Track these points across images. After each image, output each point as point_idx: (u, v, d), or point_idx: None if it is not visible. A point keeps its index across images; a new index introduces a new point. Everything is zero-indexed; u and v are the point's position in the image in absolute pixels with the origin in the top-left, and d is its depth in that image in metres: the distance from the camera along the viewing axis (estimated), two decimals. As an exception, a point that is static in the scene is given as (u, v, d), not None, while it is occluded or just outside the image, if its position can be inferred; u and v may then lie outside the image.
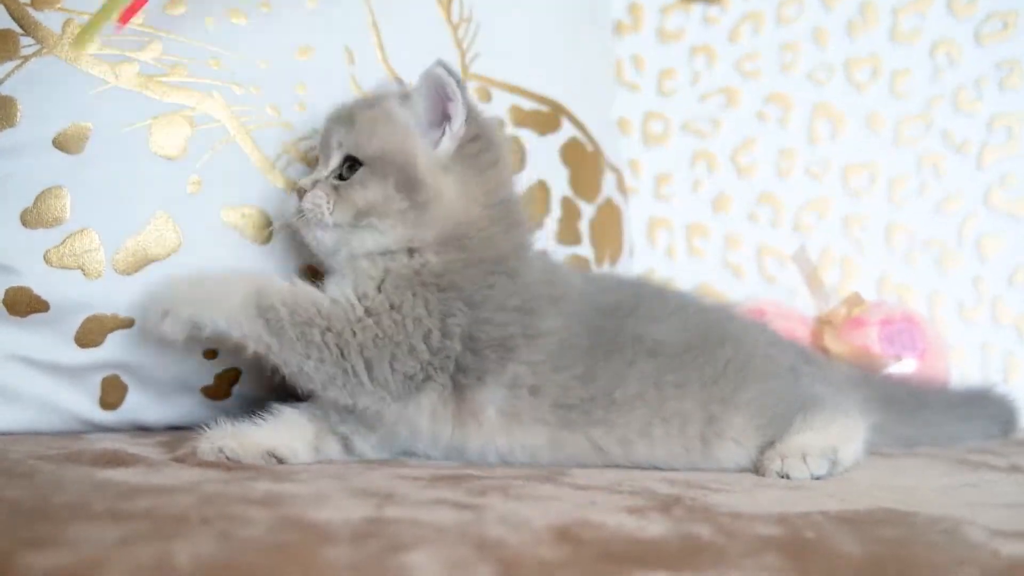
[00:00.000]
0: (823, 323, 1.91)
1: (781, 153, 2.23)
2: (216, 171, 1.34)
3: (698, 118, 2.27)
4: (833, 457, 1.23)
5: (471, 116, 1.28)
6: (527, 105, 1.70)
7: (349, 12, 1.50)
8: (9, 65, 1.26)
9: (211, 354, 1.35)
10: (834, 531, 0.85)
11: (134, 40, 1.31)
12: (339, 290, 1.21)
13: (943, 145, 2.17)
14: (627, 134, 2.28)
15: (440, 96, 1.26)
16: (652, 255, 2.25)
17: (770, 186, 2.23)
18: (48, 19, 1.27)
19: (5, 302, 1.24)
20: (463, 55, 1.63)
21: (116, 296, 1.28)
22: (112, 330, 1.28)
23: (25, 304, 1.25)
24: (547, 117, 1.72)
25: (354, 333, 1.17)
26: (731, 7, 2.26)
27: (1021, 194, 2.14)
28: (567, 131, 1.76)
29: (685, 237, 2.25)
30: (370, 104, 1.30)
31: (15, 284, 1.24)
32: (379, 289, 1.20)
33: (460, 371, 1.20)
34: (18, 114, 1.25)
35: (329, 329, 1.17)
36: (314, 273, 1.39)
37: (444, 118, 1.27)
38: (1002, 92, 2.16)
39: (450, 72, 1.24)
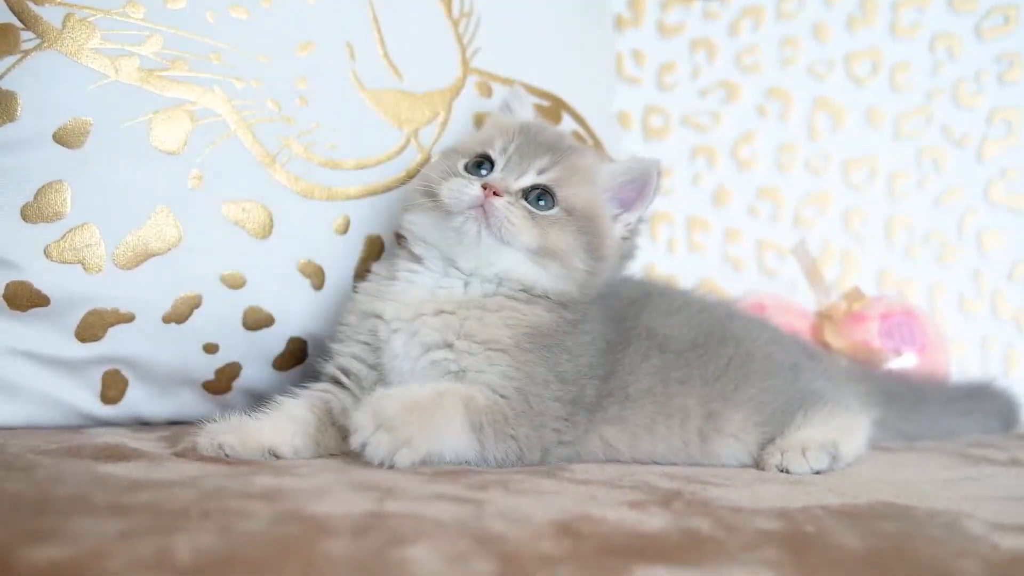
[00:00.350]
0: (823, 318, 1.91)
1: (781, 147, 2.22)
2: (217, 165, 1.34)
3: (698, 112, 2.27)
4: (833, 451, 1.23)
5: (643, 217, 1.32)
6: (528, 99, 1.69)
7: (350, 7, 1.49)
8: (10, 59, 1.25)
9: (211, 348, 1.35)
10: (834, 525, 0.85)
11: (134, 34, 1.31)
12: (491, 370, 1.19)
13: (943, 139, 2.17)
14: (627, 128, 2.28)
15: (638, 187, 1.29)
16: (653, 249, 2.25)
17: (770, 180, 2.23)
18: (48, 14, 1.27)
19: (5, 296, 1.24)
20: (463, 50, 1.63)
21: (117, 290, 1.28)
22: (112, 324, 1.28)
23: (25, 298, 1.25)
24: (547, 111, 1.72)
25: (530, 431, 1.17)
26: (731, 2, 2.26)
27: (1021, 188, 2.14)
28: (567, 125, 1.76)
29: (685, 231, 2.25)
30: (578, 150, 1.32)
31: (15, 279, 1.24)
32: (517, 367, 1.19)
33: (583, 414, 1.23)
34: (18, 108, 1.25)
35: (515, 437, 1.16)
36: (315, 269, 1.40)
37: (627, 204, 1.30)
38: (1002, 86, 2.16)
39: (660, 174, 1.29)
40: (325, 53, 1.45)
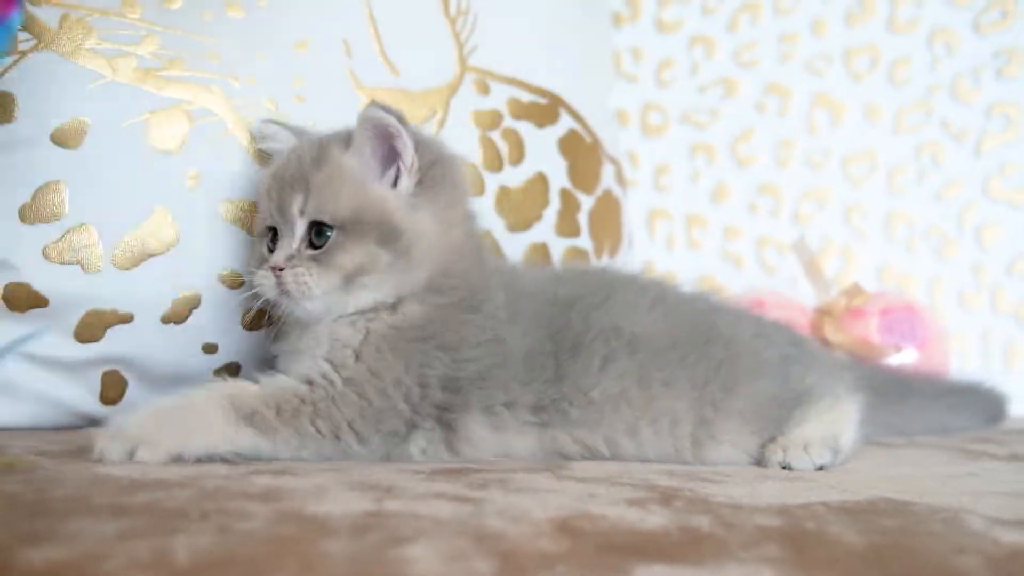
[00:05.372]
0: (823, 314, 1.91)
1: (780, 143, 2.22)
2: (214, 165, 1.33)
3: (697, 109, 2.27)
4: (835, 445, 1.23)
5: (420, 145, 1.23)
6: (525, 97, 1.69)
7: (347, 5, 1.49)
8: (6, 60, 1.25)
9: (211, 348, 1.35)
10: (835, 522, 0.85)
11: (131, 34, 1.31)
12: (313, 365, 1.17)
13: (942, 134, 2.17)
14: (626, 125, 2.28)
15: (383, 136, 1.21)
16: (652, 246, 2.25)
17: (769, 176, 2.23)
18: (45, 14, 1.27)
19: (4, 297, 1.24)
20: (461, 48, 1.63)
21: (115, 291, 1.28)
22: (112, 325, 1.28)
23: (24, 299, 1.25)
24: (545, 109, 1.72)
25: (341, 411, 1.14)
26: (729, -3, 2.26)
27: (1020, 182, 2.14)
28: (565, 123, 1.76)
29: (684, 228, 2.25)
30: (318, 162, 1.23)
31: (14, 279, 1.24)
32: (357, 357, 1.17)
33: (444, 410, 1.19)
34: (16, 109, 1.25)
35: (317, 415, 1.13)
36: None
37: (393, 155, 1.22)
38: (1000, 81, 2.15)
39: (387, 110, 1.19)
40: (322, 51, 1.45)
